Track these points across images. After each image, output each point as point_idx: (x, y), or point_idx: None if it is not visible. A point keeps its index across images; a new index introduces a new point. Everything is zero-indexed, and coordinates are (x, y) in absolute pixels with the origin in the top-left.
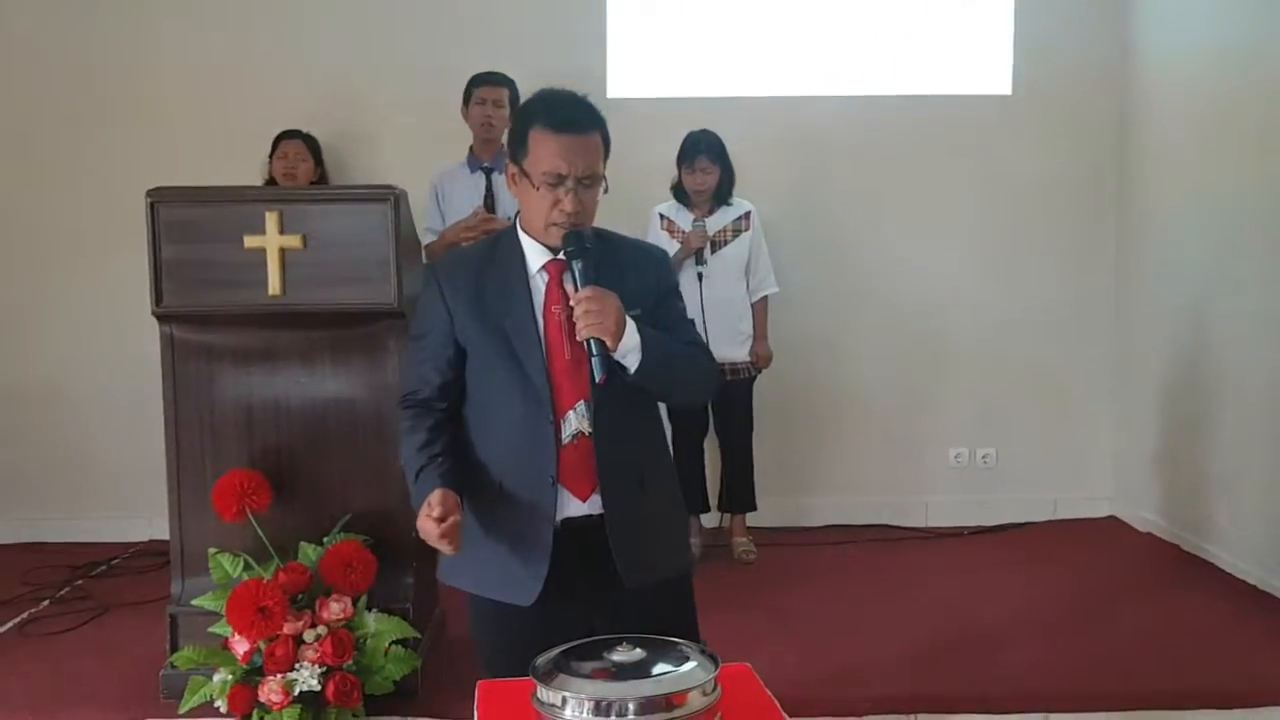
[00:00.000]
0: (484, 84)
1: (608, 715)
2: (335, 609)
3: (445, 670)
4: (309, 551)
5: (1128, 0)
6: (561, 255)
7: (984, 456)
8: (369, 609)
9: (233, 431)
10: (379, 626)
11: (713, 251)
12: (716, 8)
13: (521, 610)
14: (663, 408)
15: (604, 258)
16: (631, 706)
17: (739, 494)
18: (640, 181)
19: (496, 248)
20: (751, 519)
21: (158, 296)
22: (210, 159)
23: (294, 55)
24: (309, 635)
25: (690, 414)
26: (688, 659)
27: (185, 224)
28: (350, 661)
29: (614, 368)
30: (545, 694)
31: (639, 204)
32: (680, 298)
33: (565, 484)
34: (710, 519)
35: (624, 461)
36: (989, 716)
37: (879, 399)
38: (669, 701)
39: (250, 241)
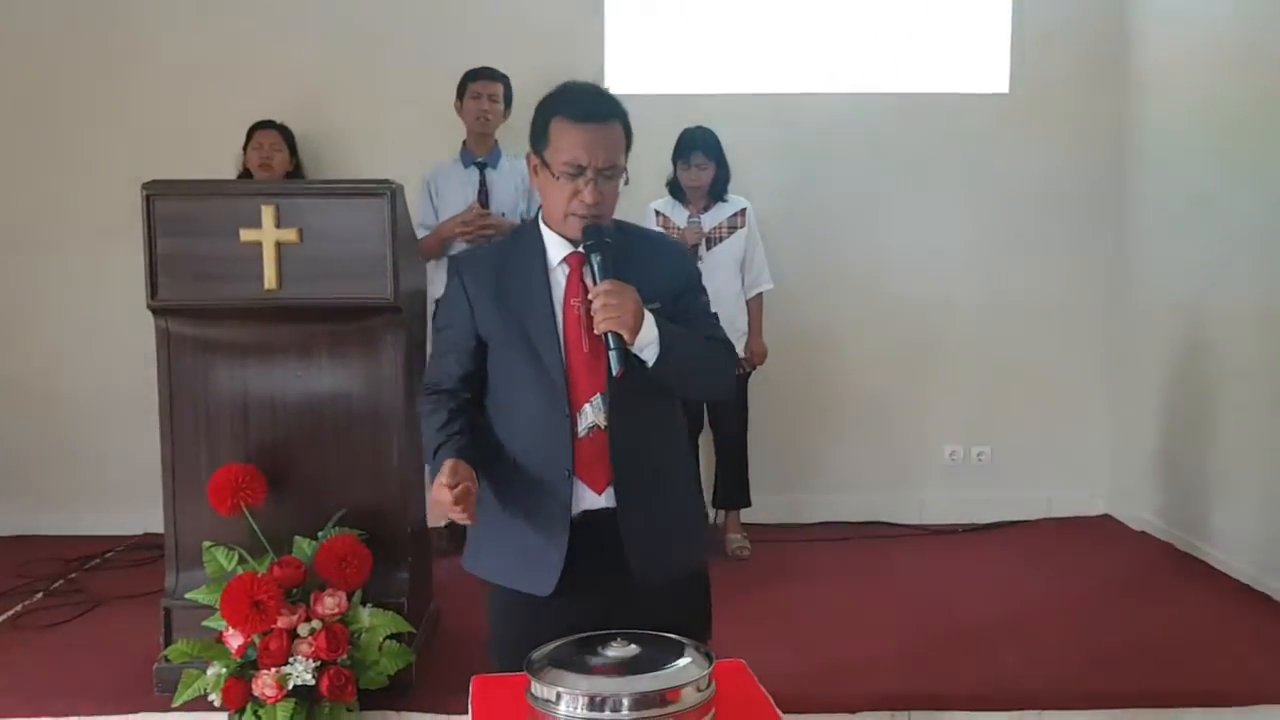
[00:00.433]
0: (479, 79)
1: (602, 710)
2: (330, 603)
3: (439, 665)
4: (304, 546)
5: None
6: (581, 248)
7: (979, 454)
8: (363, 604)
9: (228, 425)
10: (373, 621)
11: (708, 248)
12: (714, 5)
13: (537, 601)
14: None
15: (624, 250)
16: (626, 702)
17: (733, 490)
18: (636, 177)
19: (519, 240)
20: (746, 515)
21: (153, 290)
22: (203, 150)
23: (281, 47)
24: (303, 629)
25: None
26: (682, 655)
27: (181, 217)
28: (344, 656)
29: (631, 361)
30: (539, 689)
31: (634, 200)
32: (703, 291)
33: (581, 477)
34: None
35: (639, 455)
36: (982, 714)
37: (874, 396)
38: (663, 697)
39: (246, 235)
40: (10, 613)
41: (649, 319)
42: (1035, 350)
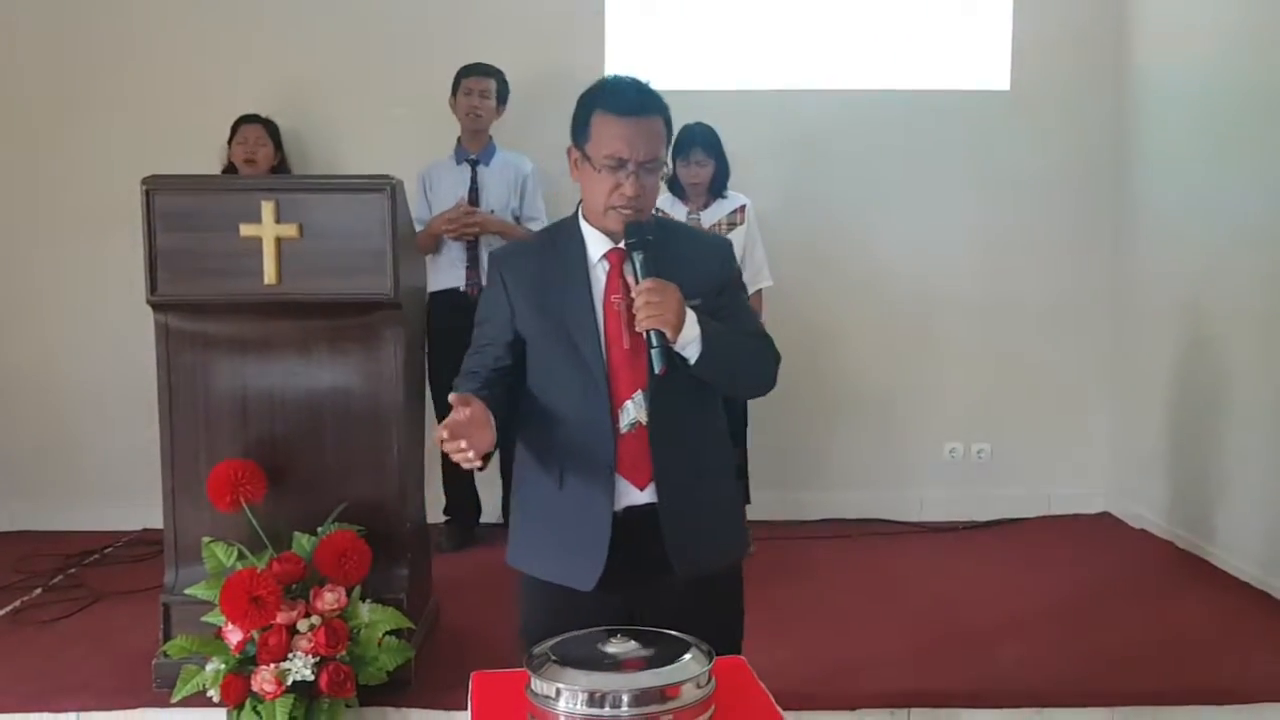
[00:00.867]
0: (471, 74)
1: (601, 707)
2: (329, 599)
3: (439, 661)
4: (303, 541)
5: None
6: (622, 245)
7: (979, 451)
8: (363, 599)
9: (228, 421)
10: (373, 617)
11: None
12: (714, 1)
13: (574, 596)
14: None
15: (665, 247)
16: (625, 698)
17: None
18: None
19: (557, 236)
20: (746, 513)
21: (153, 285)
22: (198, 144)
23: (277, 41)
24: (302, 625)
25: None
26: (682, 652)
27: (181, 212)
28: (344, 652)
29: (674, 359)
30: (539, 685)
31: None
32: (743, 288)
33: (623, 473)
34: None
35: (680, 451)
36: (982, 712)
37: (874, 393)
38: (663, 693)
39: (246, 230)
40: (10, 608)
41: (691, 317)
42: (1035, 347)
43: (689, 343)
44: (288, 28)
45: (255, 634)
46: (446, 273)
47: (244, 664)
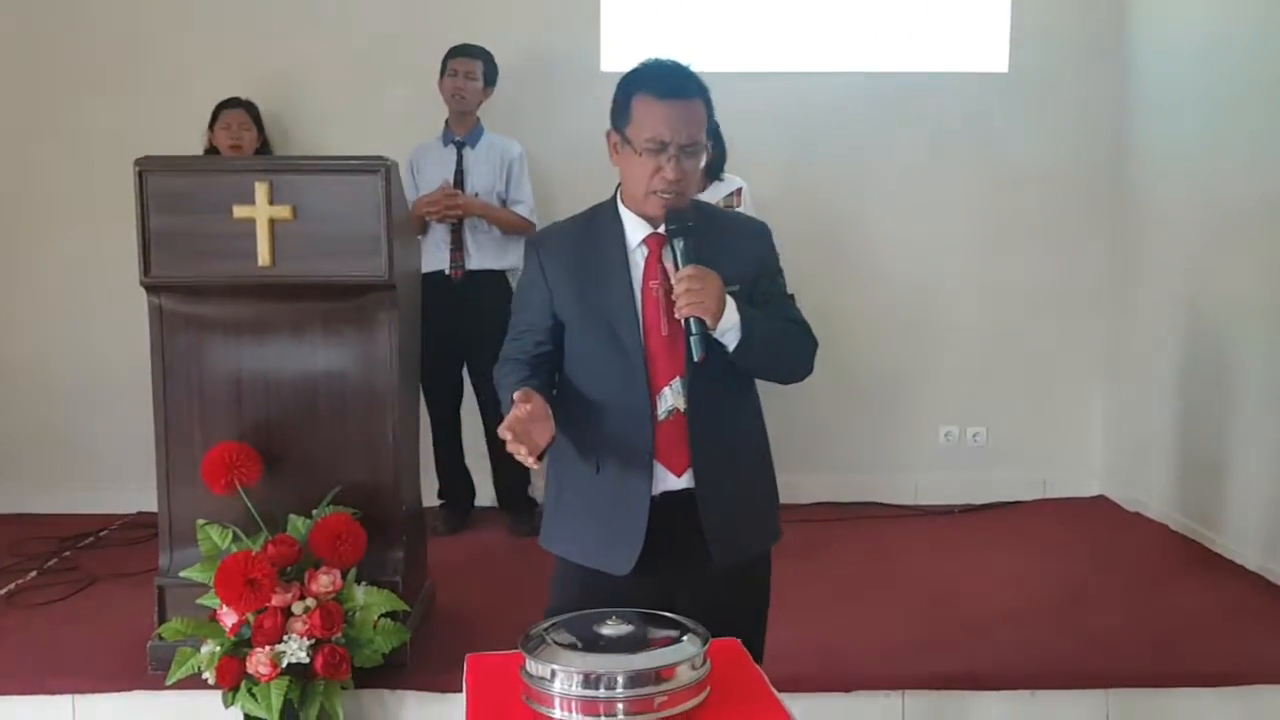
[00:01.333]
0: (457, 56)
1: (596, 688)
2: (324, 581)
3: (434, 643)
4: (298, 524)
5: None
6: (662, 230)
7: (974, 435)
8: (358, 582)
9: (222, 403)
10: (368, 599)
11: None
12: None
13: (609, 581)
14: None
15: (705, 233)
16: (620, 680)
17: None
18: None
19: (594, 221)
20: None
21: (146, 267)
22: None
23: (262, 24)
24: (297, 608)
25: None
26: (677, 633)
27: (174, 194)
28: (339, 634)
29: (713, 346)
30: (534, 666)
31: None
32: (781, 273)
33: (661, 460)
34: None
35: (718, 438)
36: (977, 693)
37: (870, 376)
38: (658, 675)
39: (240, 212)
40: (5, 590)
41: (730, 304)
42: (1031, 331)
43: (728, 330)
44: (273, 9)
45: (250, 616)
46: (431, 255)
47: (239, 646)
